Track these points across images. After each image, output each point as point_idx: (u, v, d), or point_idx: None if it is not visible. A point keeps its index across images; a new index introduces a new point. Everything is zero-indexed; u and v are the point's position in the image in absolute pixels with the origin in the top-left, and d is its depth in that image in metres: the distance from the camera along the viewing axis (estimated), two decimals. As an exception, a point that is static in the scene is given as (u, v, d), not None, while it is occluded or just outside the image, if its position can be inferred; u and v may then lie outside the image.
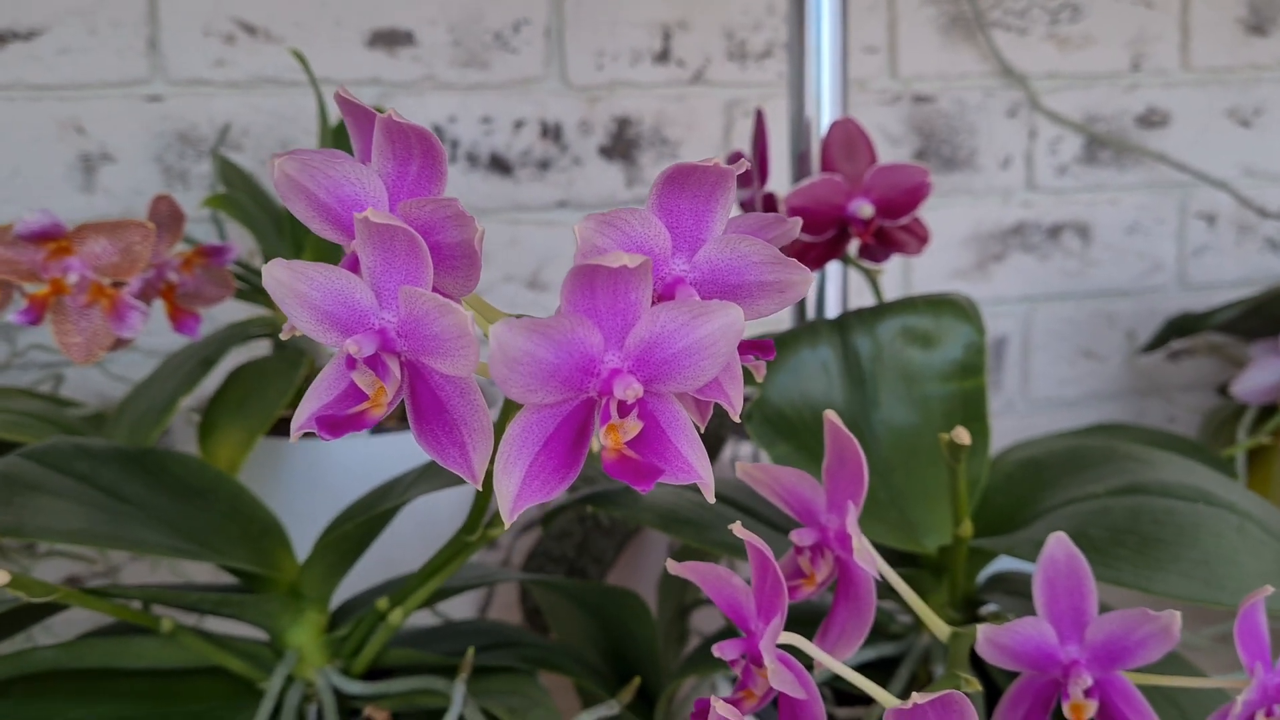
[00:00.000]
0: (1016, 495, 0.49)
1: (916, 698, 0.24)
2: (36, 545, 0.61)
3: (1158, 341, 0.84)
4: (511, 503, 0.24)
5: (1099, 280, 0.95)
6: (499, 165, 0.83)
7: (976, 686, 0.33)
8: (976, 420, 0.51)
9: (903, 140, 0.90)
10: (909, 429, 0.51)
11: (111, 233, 0.48)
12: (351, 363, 0.25)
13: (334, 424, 0.25)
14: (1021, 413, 0.96)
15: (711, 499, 0.26)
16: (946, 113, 0.90)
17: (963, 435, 0.38)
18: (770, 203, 0.58)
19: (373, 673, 0.49)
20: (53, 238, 0.47)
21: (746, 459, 0.71)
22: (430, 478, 0.48)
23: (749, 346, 0.31)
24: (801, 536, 0.34)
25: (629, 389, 0.23)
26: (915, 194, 0.57)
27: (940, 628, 0.36)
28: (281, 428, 0.61)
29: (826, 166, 0.56)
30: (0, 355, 0.71)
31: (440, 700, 0.45)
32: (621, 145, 0.85)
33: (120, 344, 0.50)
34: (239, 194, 0.66)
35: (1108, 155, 0.93)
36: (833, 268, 0.63)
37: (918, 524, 0.49)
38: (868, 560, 0.32)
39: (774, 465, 0.35)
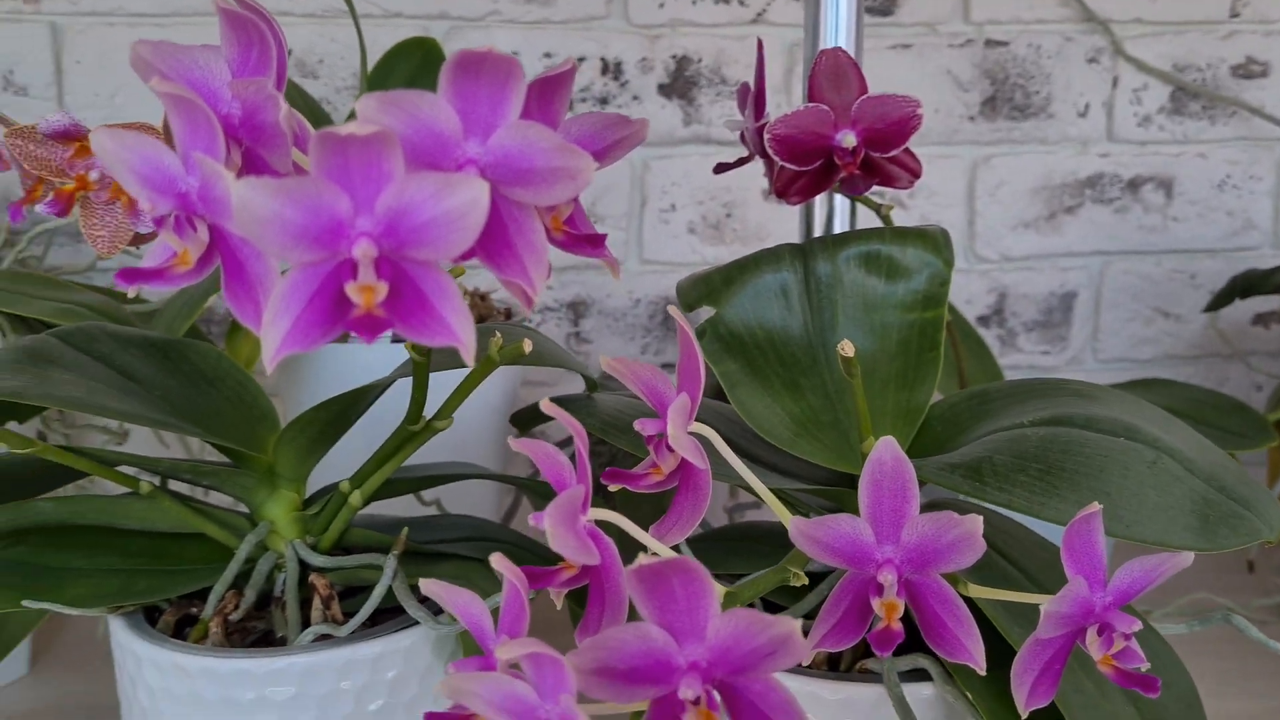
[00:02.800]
0: (954, 424, 0.49)
1: (643, 558, 0.26)
2: (73, 419, 0.67)
3: (1220, 300, 0.81)
4: (274, 350, 0.27)
5: (1181, 237, 0.91)
6: (559, 99, 0.85)
7: (802, 579, 0.35)
8: (931, 350, 0.51)
9: (971, 86, 0.88)
10: (864, 355, 0.51)
11: (129, 136, 0.53)
12: (159, 222, 0.28)
13: (134, 275, 0.28)
14: (1090, 369, 0.93)
15: (470, 361, 0.28)
16: (1020, 58, 0.88)
17: (848, 348, 0.39)
18: (762, 133, 0.59)
19: (343, 550, 0.53)
20: (74, 137, 0.52)
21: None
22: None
23: (583, 238, 0.33)
24: (645, 426, 0.36)
25: (361, 249, 0.26)
26: (905, 125, 0.56)
27: (788, 522, 0.37)
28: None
29: (813, 96, 0.56)
30: (86, 261, 0.78)
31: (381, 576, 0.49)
32: (680, 83, 0.86)
33: (141, 239, 0.56)
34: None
35: (1197, 106, 0.89)
36: (841, 205, 0.64)
37: (858, 447, 0.50)
38: (689, 449, 0.34)
39: (632, 360, 0.37)
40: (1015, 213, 0.90)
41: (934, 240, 0.53)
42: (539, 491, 0.64)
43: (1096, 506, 0.33)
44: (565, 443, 0.80)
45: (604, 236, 0.33)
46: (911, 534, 0.33)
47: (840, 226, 0.64)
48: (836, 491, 0.48)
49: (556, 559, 0.57)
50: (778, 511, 0.36)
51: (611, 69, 0.85)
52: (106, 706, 0.69)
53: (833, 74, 0.56)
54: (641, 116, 0.87)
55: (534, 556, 0.55)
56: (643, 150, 0.87)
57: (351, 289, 0.26)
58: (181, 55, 0.30)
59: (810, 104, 0.57)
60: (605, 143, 0.34)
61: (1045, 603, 0.32)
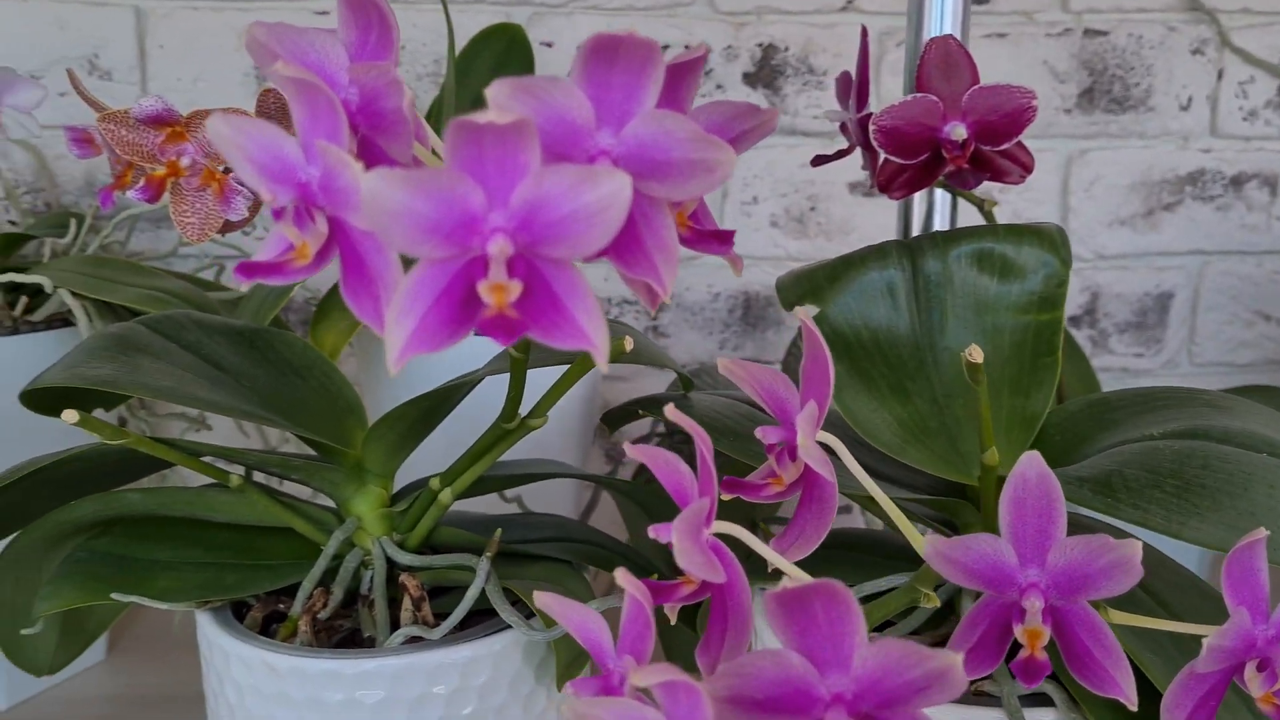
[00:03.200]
0: (1074, 434, 0.47)
1: (787, 581, 0.25)
2: (155, 407, 0.67)
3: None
4: (399, 350, 0.25)
5: (1286, 237, 0.87)
6: (642, 88, 0.84)
7: (934, 601, 0.33)
8: (1048, 354, 0.48)
9: (1069, 77, 0.85)
10: (974, 359, 0.49)
11: (221, 122, 0.52)
12: (278, 213, 0.27)
13: (251, 269, 0.27)
14: (1185, 373, 0.90)
15: (604, 367, 0.26)
16: (1120, 48, 0.84)
17: (975, 353, 0.37)
18: (866, 125, 0.57)
19: (430, 548, 0.52)
20: (167, 122, 0.51)
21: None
22: (502, 360, 0.50)
23: (709, 234, 0.32)
24: (767, 434, 0.34)
25: (497, 245, 0.24)
26: (1018, 117, 0.54)
27: (919, 543, 0.35)
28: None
29: (922, 86, 0.54)
30: (170, 244, 0.78)
31: (472, 577, 0.47)
32: (766, 72, 0.84)
33: (230, 226, 0.55)
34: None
35: (1307, 100, 0.85)
36: (941, 200, 0.61)
37: (969, 454, 0.48)
38: (818, 460, 0.32)
39: (751, 362, 0.35)
40: (1111, 209, 0.86)
41: (1050, 238, 0.50)
42: (618, 488, 0.62)
43: (1263, 533, 0.30)
44: (644, 438, 0.78)
45: (731, 233, 0.31)
46: (1059, 557, 0.31)
47: (941, 223, 0.62)
48: (947, 502, 0.46)
49: (650, 564, 0.55)
50: (907, 532, 0.34)
51: (696, 57, 0.83)
52: (183, 695, 0.69)
53: (943, 63, 0.54)
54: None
55: (628, 562, 0.54)
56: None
57: (483, 288, 0.25)
58: (298, 37, 0.28)
59: (918, 94, 0.54)
60: (734, 133, 0.32)
61: (1208, 635, 0.30)
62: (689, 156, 0.27)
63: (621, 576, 0.28)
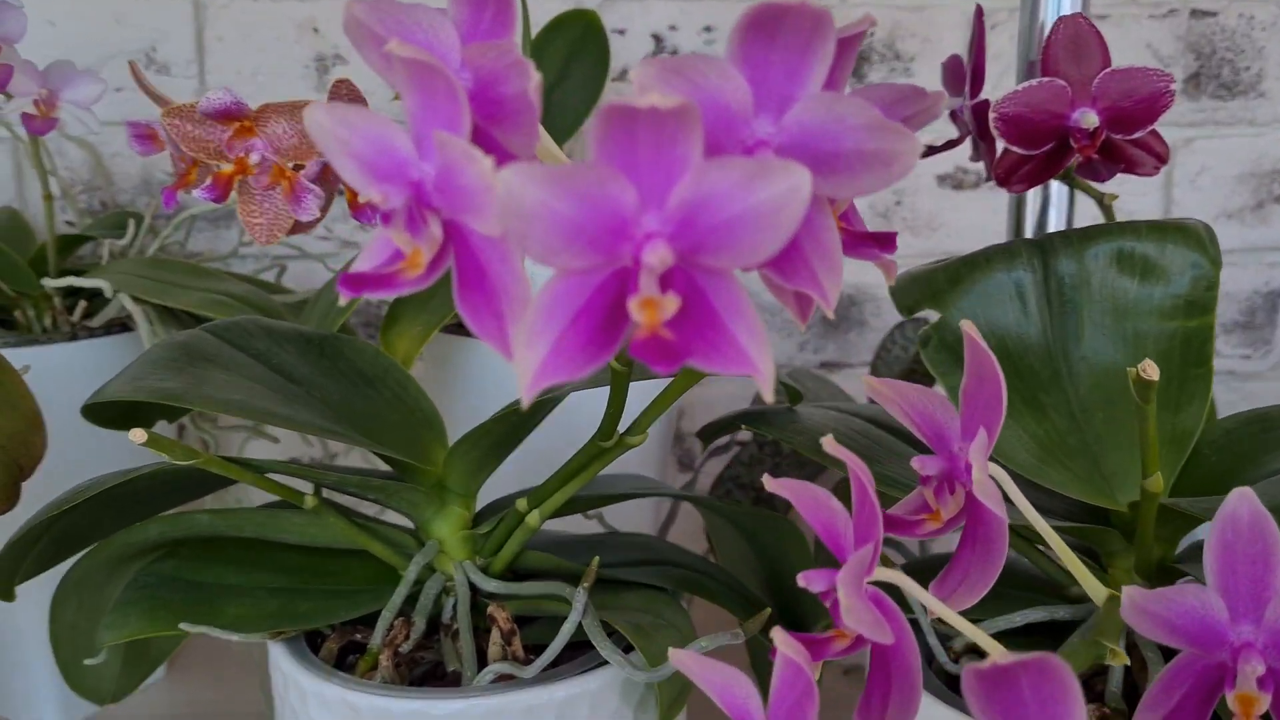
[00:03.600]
0: (1234, 454, 0.42)
1: (998, 658, 0.20)
2: (217, 418, 0.64)
3: None
4: (531, 378, 0.21)
5: None
6: (719, 77, 0.79)
7: (1123, 659, 0.29)
8: (1199, 365, 0.44)
9: (1174, 60, 0.79)
10: (1114, 369, 0.45)
11: (291, 114, 0.48)
12: (386, 217, 0.23)
13: (358, 281, 0.23)
14: (1296, 377, 0.84)
15: (769, 396, 0.22)
16: (1230, 30, 0.79)
17: (1151, 370, 0.33)
18: (982, 112, 0.52)
19: (513, 573, 0.48)
20: (235, 117, 0.48)
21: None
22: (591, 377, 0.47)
23: (868, 237, 0.27)
24: (925, 464, 0.30)
25: (655, 253, 0.20)
26: (1154, 104, 0.49)
27: (1096, 589, 0.31)
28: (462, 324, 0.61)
29: (1048, 70, 0.49)
30: (229, 245, 0.75)
31: (567, 607, 0.43)
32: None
33: (300, 227, 0.51)
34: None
35: None
36: (1057, 191, 0.57)
37: (1113, 476, 0.43)
38: (992, 496, 0.27)
39: (901, 381, 0.31)
40: (1218, 201, 0.81)
41: (1198, 236, 0.46)
42: (708, 506, 0.58)
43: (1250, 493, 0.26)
44: (722, 448, 0.74)
45: (893, 236, 0.27)
46: (1278, 614, 0.26)
47: (1057, 218, 0.57)
48: (1090, 530, 0.42)
49: (757, 598, 0.51)
50: (1082, 578, 0.30)
51: (776, 44, 0.79)
52: (243, 713, 0.66)
53: (1072, 44, 0.49)
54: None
55: (723, 586, 0.50)
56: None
57: (634, 304, 0.21)
58: (403, 15, 0.25)
59: (1044, 78, 0.50)
60: (896, 120, 0.28)
61: None
62: (864, 147, 0.23)
63: (779, 637, 0.24)
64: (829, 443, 0.26)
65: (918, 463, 0.30)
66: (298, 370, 0.50)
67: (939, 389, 0.44)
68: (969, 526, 0.30)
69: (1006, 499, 0.31)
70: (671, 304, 0.21)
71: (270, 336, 0.51)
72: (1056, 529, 0.43)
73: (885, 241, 0.27)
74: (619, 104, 0.20)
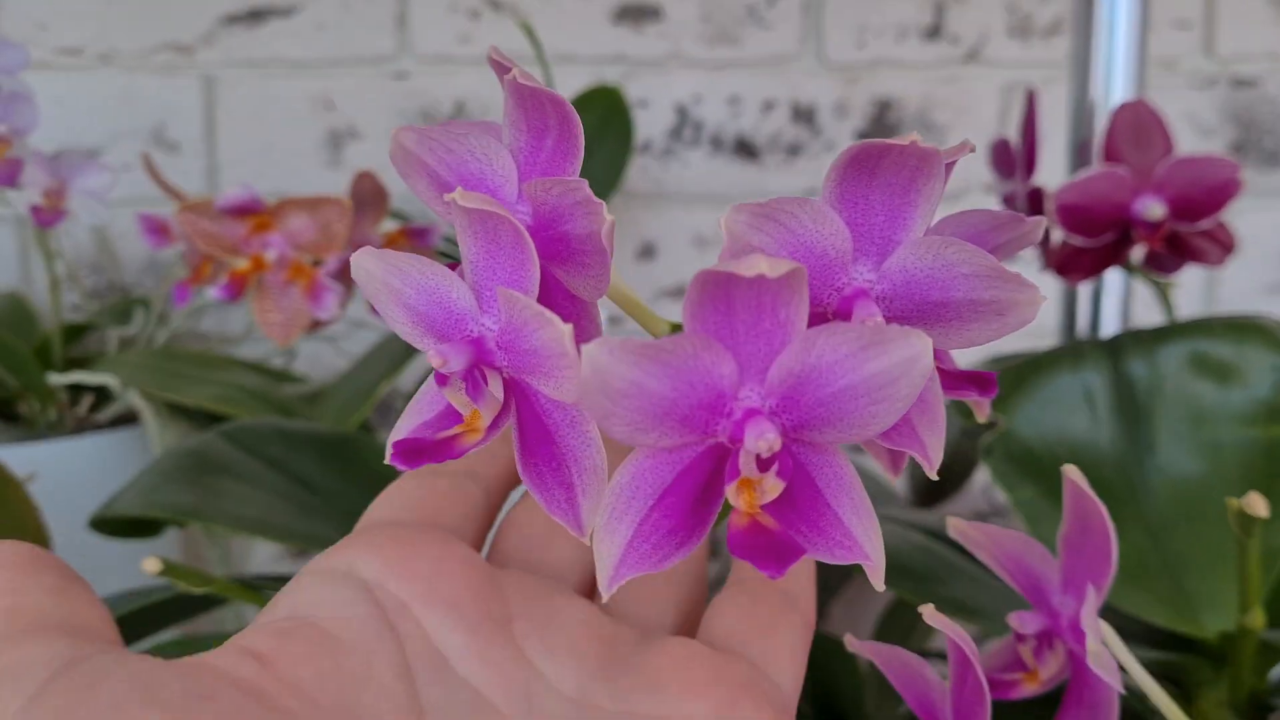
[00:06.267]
0: (1332, 577, 0.39)
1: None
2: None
3: None
4: (611, 570, 0.18)
5: None
6: (745, 149, 0.77)
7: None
8: (1284, 477, 0.41)
9: (1216, 131, 0.77)
10: (1193, 481, 0.42)
11: (311, 209, 0.46)
12: (442, 379, 0.20)
13: (414, 451, 0.20)
14: (1346, 456, 0.81)
15: (880, 585, 0.19)
16: (1273, 99, 0.77)
17: (1257, 505, 0.30)
18: (1036, 199, 0.50)
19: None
20: (253, 212, 0.46)
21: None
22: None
23: (965, 379, 0.25)
24: (1024, 622, 0.27)
25: (762, 438, 0.17)
26: (1220, 193, 0.47)
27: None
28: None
29: (1110, 156, 0.47)
30: (239, 326, 0.72)
31: None
32: (881, 130, 0.77)
33: (318, 325, 0.49)
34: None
35: None
36: (1112, 278, 0.54)
37: (1197, 599, 0.40)
38: (1107, 667, 0.24)
39: (994, 527, 0.28)
40: (1264, 275, 0.79)
41: (1275, 335, 0.43)
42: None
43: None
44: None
45: (993, 377, 0.24)
46: None
47: (1113, 307, 0.54)
48: (1178, 660, 0.38)
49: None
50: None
51: (804, 114, 0.77)
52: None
53: (1134, 130, 0.47)
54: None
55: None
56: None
57: (733, 490, 0.18)
58: (455, 144, 0.22)
59: (1106, 165, 0.47)
60: (989, 247, 0.25)
61: None
62: (975, 296, 0.21)
63: None
64: (929, 612, 0.23)
65: (1016, 620, 0.27)
66: (316, 478, 0.48)
67: (1020, 522, 0.41)
68: (1074, 691, 0.27)
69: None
70: (775, 487, 0.18)
71: (286, 441, 0.49)
72: (1142, 660, 0.40)
73: (985, 385, 0.24)
74: (722, 272, 0.17)
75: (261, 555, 0.69)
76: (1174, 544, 0.41)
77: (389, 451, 0.21)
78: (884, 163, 0.21)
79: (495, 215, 0.19)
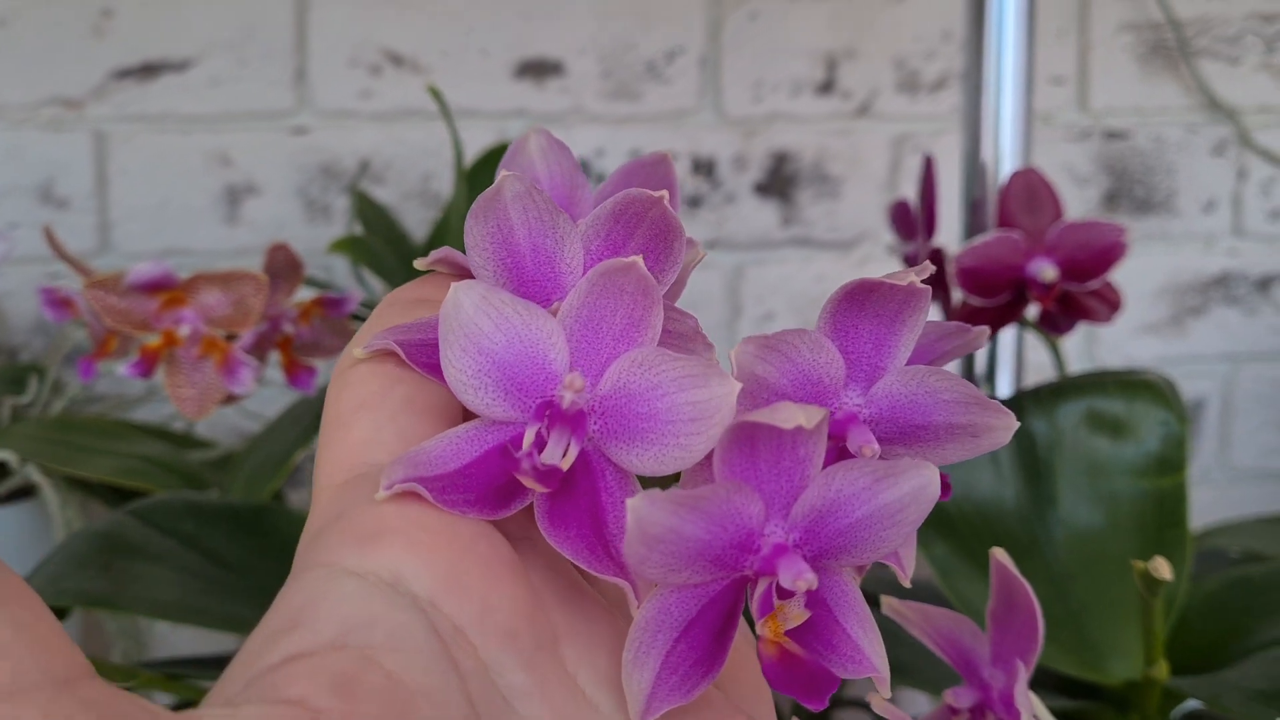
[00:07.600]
0: (1221, 624, 0.42)
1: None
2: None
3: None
4: (643, 705, 0.19)
5: (1316, 339, 0.84)
6: (647, 202, 0.78)
7: None
8: (1174, 527, 0.43)
9: (1091, 180, 0.81)
10: (1093, 532, 0.44)
11: (224, 284, 0.45)
12: (514, 464, 0.19)
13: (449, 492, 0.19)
14: (1219, 484, 0.86)
15: (888, 694, 0.21)
16: (1142, 150, 0.81)
17: (1162, 568, 0.32)
18: (937, 259, 0.52)
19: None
20: (165, 288, 0.45)
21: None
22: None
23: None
24: (958, 696, 0.28)
25: (801, 578, 0.18)
26: (1107, 255, 0.50)
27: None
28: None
29: (1004, 221, 0.49)
30: (138, 388, 0.70)
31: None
32: (778, 182, 0.80)
33: (232, 399, 0.48)
34: (370, 236, 0.64)
35: (1331, 199, 0.83)
36: (1005, 333, 0.57)
37: (1100, 646, 0.42)
38: (1042, 745, 0.26)
39: (927, 605, 0.29)
40: (1138, 316, 0.83)
41: (1161, 393, 0.45)
42: None
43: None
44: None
45: (947, 481, 0.26)
46: None
47: (1006, 363, 0.57)
48: (1089, 709, 0.40)
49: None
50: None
51: (704, 167, 0.79)
52: None
53: (1026, 196, 0.50)
54: (736, 217, 0.81)
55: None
56: (737, 254, 0.80)
57: (763, 622, 0.19)
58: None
59: (1000, 230, 0.50)
60: (933, 356, 0.27)
61: None
62: (954, 420, 0.22)
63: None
64: (876, 701, 0.24)
65: (951, 695, 0.28)
66: (229, 553, 0.47)
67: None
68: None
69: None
70: (801, 615, 0.19)
71: (197, 516, 0.48)
72: (1052, 709, 0.41)
73: (944, 489, 0.25)
74: (751, 423, 0.18)
75: (166, 630, 0.67)
76: (1077, 593, 0.43)
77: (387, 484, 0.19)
78: (874, 298, 0.22)
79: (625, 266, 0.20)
